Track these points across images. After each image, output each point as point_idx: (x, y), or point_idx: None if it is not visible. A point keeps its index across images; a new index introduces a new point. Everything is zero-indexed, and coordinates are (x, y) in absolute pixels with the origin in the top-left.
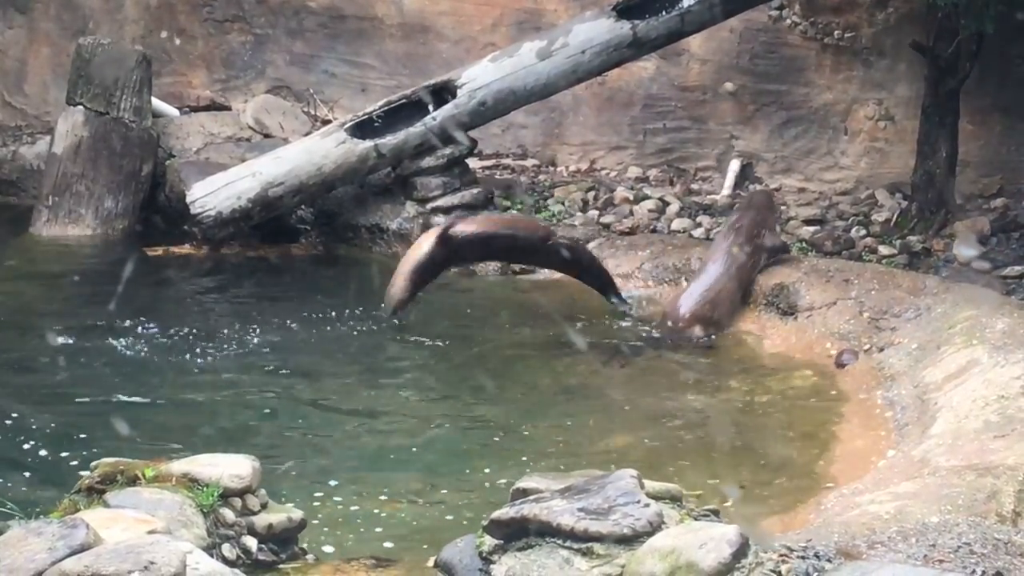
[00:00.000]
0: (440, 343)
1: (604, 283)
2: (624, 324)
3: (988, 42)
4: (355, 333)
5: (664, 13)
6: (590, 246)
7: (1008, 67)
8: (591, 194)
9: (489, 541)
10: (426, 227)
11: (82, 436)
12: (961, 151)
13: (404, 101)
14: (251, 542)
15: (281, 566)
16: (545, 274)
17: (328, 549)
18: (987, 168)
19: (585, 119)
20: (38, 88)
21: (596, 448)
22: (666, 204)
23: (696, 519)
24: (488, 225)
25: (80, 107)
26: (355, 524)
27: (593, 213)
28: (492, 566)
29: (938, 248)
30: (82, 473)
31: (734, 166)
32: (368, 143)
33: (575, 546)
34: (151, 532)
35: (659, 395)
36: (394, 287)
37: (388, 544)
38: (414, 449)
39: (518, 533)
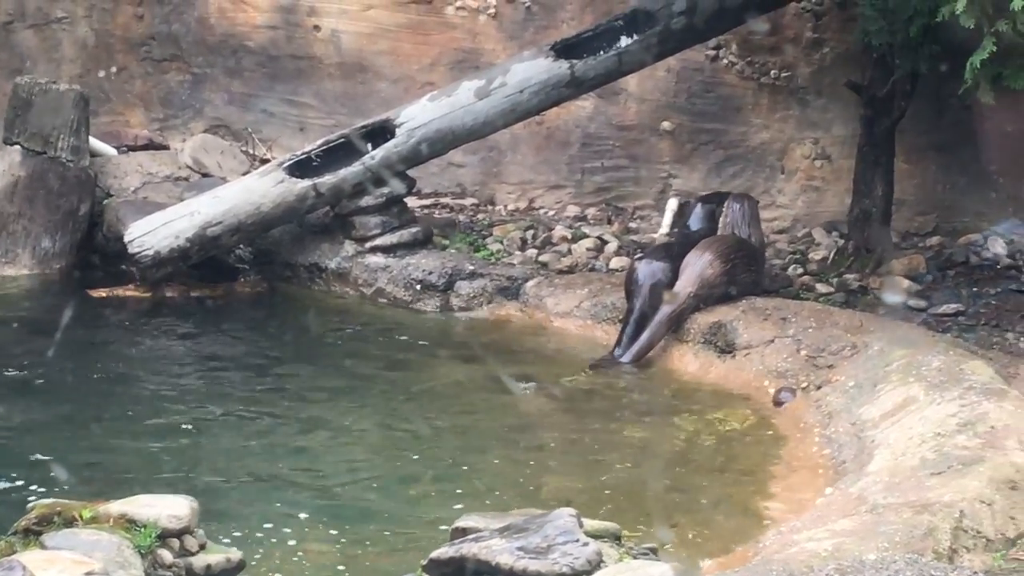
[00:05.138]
0: (378, 382)
1: None
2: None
3: (922, 81)
4: (294, 373)
5: (602, 53)
6: (528, 285)
7: (942, 106)
8: (529, 233)
9: None
10: (364, 266)
11: (17, 478)
12: (897, 190)
13: (342, 140)
14: None
15: None
16: (484, 311)
17: None
18: (923, 207)
19: (523, 158)
20: None
21: (534, 487)
22: (604, 243)
23: (635, 558)
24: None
25: (17, 146)
26: (294, 564)
27: (532, 252)
28: None
29: (875, 286)
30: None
31: (672, 205)
32: (307, 182)
33: None
34: (88, 574)
35: (596, 434)
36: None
37: None
38: (353, 488)
39: (457, 572)
